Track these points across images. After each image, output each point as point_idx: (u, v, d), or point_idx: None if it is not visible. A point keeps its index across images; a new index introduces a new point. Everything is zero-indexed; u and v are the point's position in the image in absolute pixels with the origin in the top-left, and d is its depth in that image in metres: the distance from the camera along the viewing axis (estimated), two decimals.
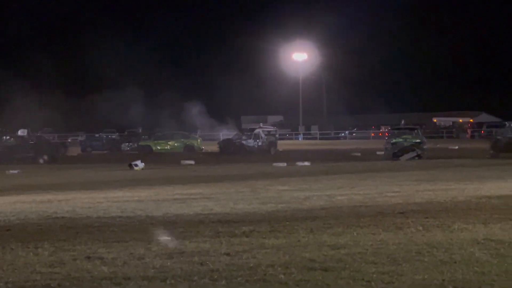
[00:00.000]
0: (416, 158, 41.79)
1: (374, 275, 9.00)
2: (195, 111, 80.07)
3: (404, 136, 43.70)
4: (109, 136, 72.41)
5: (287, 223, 13.87)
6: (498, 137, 43.23)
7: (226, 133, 72.97)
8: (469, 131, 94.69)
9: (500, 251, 10.38)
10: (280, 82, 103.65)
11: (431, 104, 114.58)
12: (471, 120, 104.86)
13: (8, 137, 49.90)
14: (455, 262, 9.69)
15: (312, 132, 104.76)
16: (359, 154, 49.41)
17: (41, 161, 46.67)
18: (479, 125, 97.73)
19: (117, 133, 75.25)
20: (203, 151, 58.29)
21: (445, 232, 12.24)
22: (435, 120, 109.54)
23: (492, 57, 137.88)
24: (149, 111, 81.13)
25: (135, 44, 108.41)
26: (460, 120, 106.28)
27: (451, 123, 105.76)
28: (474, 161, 38.20)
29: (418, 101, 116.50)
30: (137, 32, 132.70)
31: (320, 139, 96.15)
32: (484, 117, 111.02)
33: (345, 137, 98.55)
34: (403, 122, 47.31)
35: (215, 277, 9.02)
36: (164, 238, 12.15)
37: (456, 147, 58.18)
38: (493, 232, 12.14)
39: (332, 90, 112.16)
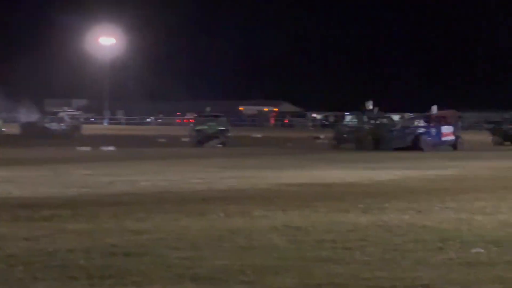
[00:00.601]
0: (220, 145, 42.33)
1: (176, 261, 9.07)
2: None
3: (209, 124, 44.10)
4: None
5: (90, 208, 13.74)
6: (340, 128, 43.66)
7: (27, 115, 71.01)
8: (272, 120, 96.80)
9: (298, 237, 10.71)
10: (86, 65, 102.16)
11: (237, 92, 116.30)
12: (276, 110, 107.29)
13: None
14: (255, 248, 9.92)
15: (117, 117, 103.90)
16: (164, 140, 49.44)
17: None
18: (283, 114, 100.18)
19: None
20: (4, 132, 56.57)
21: (246, 219, 12.50)
22: (241, 108, 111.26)
23: (292, 48, 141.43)
24: None
25: None
26: (265, 109, 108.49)
27: (256, 112, 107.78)
28: (276, 150, 39.11)
29: (225, 89, 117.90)
30: None
31: (126, 124, 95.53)
32: (286, 107, 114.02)
33: (151, 123, 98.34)
34: (208, 109, 47.66)
35: (12, 262, 8.81)
36: None
37: (259, 135, 59.36)
38: (292, 219, 12.50)
39: (139, 76, 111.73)
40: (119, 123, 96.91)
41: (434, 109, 40.02)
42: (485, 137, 48.28)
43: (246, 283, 8.07)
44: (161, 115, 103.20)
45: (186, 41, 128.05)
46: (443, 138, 38.34)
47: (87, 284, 7.97)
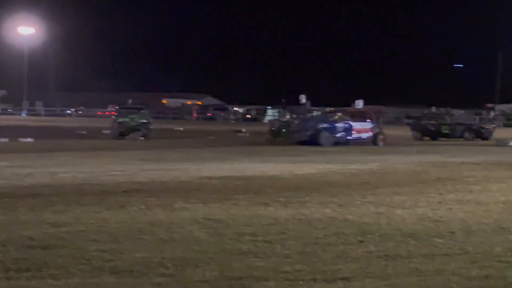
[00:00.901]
0: (142, 138, 42.04)
1: (95, 253, 8.97)
2: None
3: (131, 116, 43.75)
4: None
5: (7, 199, 13.52)
6: (275, 122, 43.33)
7: None
8: (194, 113, 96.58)
9: (218, 230, 10.70)
10: (4, 55, 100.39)
11: (159, 85, 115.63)
12: (199, 103, 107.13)
13: None
14: (175, 241, 9.88)
15: (36, 108, 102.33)
16: (85, 132, 48.89)
17: None
18: (205, 107, 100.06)
19: None
20: None
21: (167, 211, 12.44)
22: (164, 101, 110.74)
23: (215, 42, 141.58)
24: None
25: None
26: (189, 102, 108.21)
27: (180, 105, 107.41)
28: (198, 143, 39.02)
29: (148, 81, 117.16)
30: None
31: (45, 115, 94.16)
32: (209, 100, 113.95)
33: (71, 115, 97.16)
34: (130, 101, 47.24)
35: None
36: None
37: (181, 129, 59.16)
38: (212, 211, 12.49)
39: (61, 67, 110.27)
40: (38, 115, 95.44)
41: (359, 103, 39.59)
42: (406, 132, 48.96)
43: (166, 276, 8.02)
44: (81, 107, 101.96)
45: (109, 33, 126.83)
46: (355, 135, 37.37)
47: (3, 278, 7.83)
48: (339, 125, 37.34)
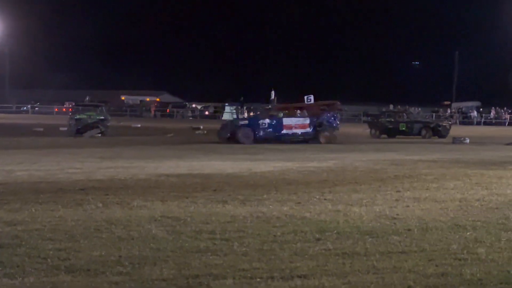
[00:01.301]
0: (99, 135, 41.81)
1: (51, 252, 8.90)
2: None
3: (88, 113, 43.49)
4: None
5: None
6: (225, 122, 42.99)
7: None
8: (153, 110, 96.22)
9: (176, 228, 10.67)
10: None
11: (118, 81, 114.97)
12: (158, 99, 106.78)
13: None
14: (133, 239, 9.83)
15: None
16: (41, 129, 48.49)
17: None
18: (164, 104, 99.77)
19: None
20: None
21: (124, 209, 12.38)
22: (123, 98, 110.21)
23: (173, 39, 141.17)
24: None
25: None
26: (148, 99, 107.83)
27: (139, 102, 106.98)
28: (155, 140, 38.89)
29: (106, 78, 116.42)
30: None
31: (1, 112, 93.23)
32: (166, 97, 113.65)
33: (27, 112, 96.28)
34: (87, 98, 47.05)
35: None
36: None
37: (139, 125, 58.93)
38: (170, 209, 12.45)
39: (16, 63, 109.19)
40: None
41: (310, 98, 38.76)
42: (363, 129, 49.23)
43: (123, 274, 7.98)
44: (38, 103, 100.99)
45: (66, 29, 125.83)
46: (286, 131, 36.41)
47: None
48: (264, 121, 36.44)
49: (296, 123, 36.86)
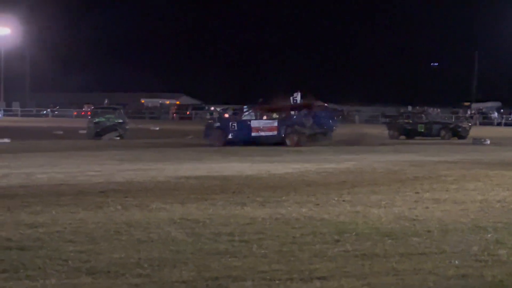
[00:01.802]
0: (118, 138, 41.94)
1: (72, 254, 8.95)
2: None
3: (107, 116, 43.64)
4: None
5: None
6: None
7: None
8: (171, 113, 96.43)
9: (195, 230, 10.69)
10: None
11: (138, 84, 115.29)
12: (178, 102, 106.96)
13: None
14: (152, 241, 9.86)
15: (13, 108, 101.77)
16: (61, 132, 48.70)
17: None
18: (184, 107, 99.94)
19: None
20: None
21: (144, 212, 12.42)
22: (143, 101, 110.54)
23: (192, 42, 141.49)
24: None
25: None
26: (167, 102, 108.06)
27: (158, 104, 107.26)
28: (174, 142, 38.95)
29: (126, 81, 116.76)
30: None
31: (22, 116, 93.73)
32: (186, 100, 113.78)
33: (47, 115, 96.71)
34: (106, 101, 47.20)
35: None
36: None
37: (157, 128, 59.05)
38: (190, 211, 12.48)
39: (37, 66, 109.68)
40: (15, 115, 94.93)
41: (297, 96, 37.71)
42: (382, 131, 49.09)
43: (143, 276, 8.01)
44: (57, 107, 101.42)
45: (86, 33, 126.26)
46: (255, 133, 35.33)
47: None
48: (234, 124, 35.82)
49: (264, 126, 35.82)
